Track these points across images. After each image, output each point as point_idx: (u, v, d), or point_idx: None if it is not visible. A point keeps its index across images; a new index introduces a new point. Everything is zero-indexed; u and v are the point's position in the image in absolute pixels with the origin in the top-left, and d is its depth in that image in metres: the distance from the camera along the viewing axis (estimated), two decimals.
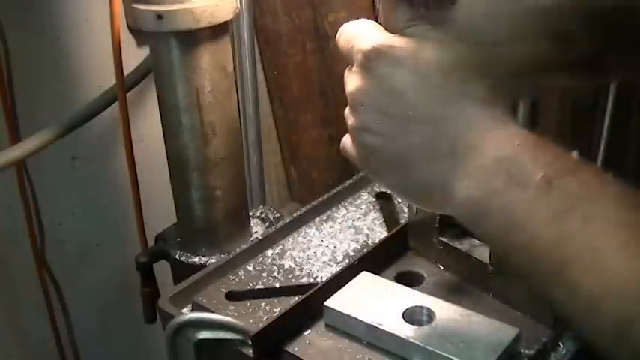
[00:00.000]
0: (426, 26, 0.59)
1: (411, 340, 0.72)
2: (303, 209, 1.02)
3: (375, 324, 0.74)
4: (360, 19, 0.64)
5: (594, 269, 0.44)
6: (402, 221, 0.97)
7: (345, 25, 0.64)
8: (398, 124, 0.57)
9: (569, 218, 0.45)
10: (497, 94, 0.57)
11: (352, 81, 0.61)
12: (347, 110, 0.63)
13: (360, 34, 0.61)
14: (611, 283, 0.43)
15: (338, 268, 0.88)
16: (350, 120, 0.62)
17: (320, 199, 1.04)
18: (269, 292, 0.86)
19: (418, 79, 0.56)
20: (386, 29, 0.61)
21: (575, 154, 0.50)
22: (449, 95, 0.55)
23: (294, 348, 0.75)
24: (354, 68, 0.61)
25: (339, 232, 0.99)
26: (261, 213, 1.21)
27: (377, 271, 0.85)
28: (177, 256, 1.10)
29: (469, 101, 0.55)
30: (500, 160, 0.50)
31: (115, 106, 1.20)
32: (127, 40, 1.24)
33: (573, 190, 0.47)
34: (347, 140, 0.64)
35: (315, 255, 0.93)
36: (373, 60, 0.58)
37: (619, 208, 0.45)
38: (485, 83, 0.57)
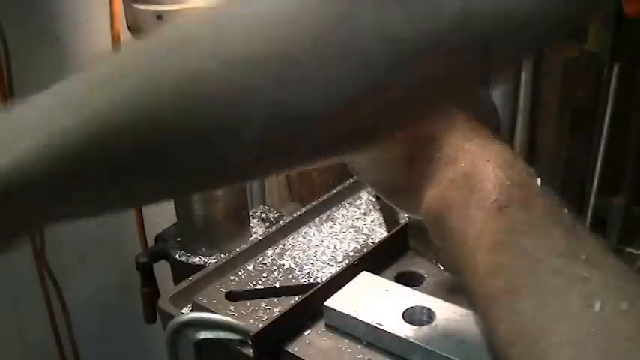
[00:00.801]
0: None
1: (411, 340, 0.72)
2: (303, 209, 1.02)
3: (375, 324, 0.74)
4: None
5: (510, 312, 0.42)
6: (402, 221, 0.97)
7: None
8: None
9: (503, 251, 0.43)
10: (475, 105, 0.55)
11: None
12: None
13: None
14: (519, 331, 0.41)
15: (338, 268, 0.88)
16: None
17: (320, 199, 1.04)
18: (269, 292, 0.86)
19: None
20: None
21: (538, 180, 0.49)
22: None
23: (294, 348, 0.75)
24: None
25: (339, 232, 0.99)
26: (261, 213, 1.21)
27: (377, 271, 0.85)
28: (177, 256, 1.11)
29: (454, 109, 0.54)
30: (467, 176, 0.48)
31: None
32: (127, 40, 1.24)
33: (518, 222, 0.44)
34: None
35: (315, 255, 0.93)
36: None
37: (553, 251, 0.42)
38: (466, 92, 0.56)
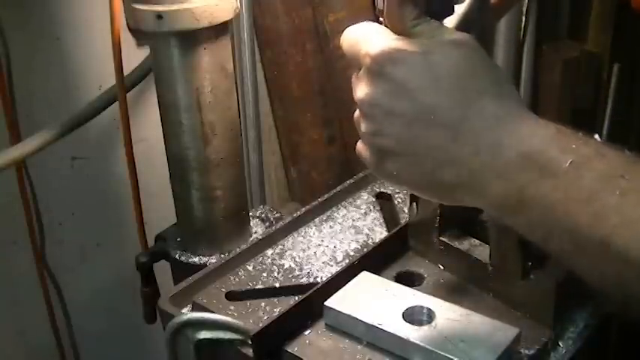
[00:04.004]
0: (433, 24, 0.59)
1: (411, 340, 0.72)
2: (303, 209, 1.02)
3: (375, 324, 0.74)
4: (362, 22, 0.63)
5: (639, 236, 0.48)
6: (402, 221, 0.97)
7: (348, 28, 0.63)
8: (415, 125, 0.57)
9: (604, 196, 0.49)
10: (509, 88, 0.57)
11: (361, 87, 0.60)
12: (356, 115, 0.62)
13: (365, 38, 0.60)
14: None
15: (338, 268, 0.88)
16: (362, 126, 0.61)
17: (320, 199, 1.04)
18: (269, 292, 0.86)
19: (432, 80, 0.56)
20: (391, 30, 0.61)
21: (597, 137, 0.54)
22: (465, 95, 0.55)
23: (294, 348, 0.75)
24: (362, 73, 0.60)
25: (339, 232, 0.99)
26: (261, 213, 1.21)
27: (377, 271, 0.85)
28: (177, 256, 1.10)
29: (485, 100, 0.55)
30: (526, 155, 0.52)
31: (115, 106, 1.20)
32: (127, 40, 1.24)
33: (604, 171, 0.50)
34: (361, 146, 0.63)
35: (315, 255, 0.93)
36: (383, 64, 0.58)
37: None
38: (497, 79, 0.57)
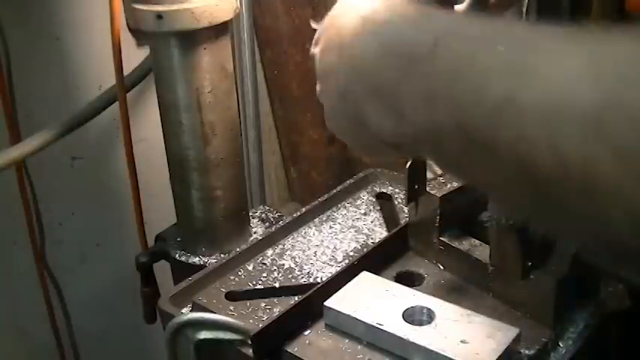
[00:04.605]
0: None
1: (411, 340, 0.72)
2: (303, 209, 1.02)
3: (375, 324, 0.74)
4: None
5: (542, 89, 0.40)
6: (402, 221, 0.97)
7: None
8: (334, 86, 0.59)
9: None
10: None
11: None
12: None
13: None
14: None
15: (338, 268, 0.88)
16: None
17: (320, 199, 1.04)
18: (269, 292, 0.86)
19: (327, 44, 0.59)
20: None
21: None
22: (338, 34, 0.57)
23: (294, 348, 0.75)
24: None
25: (339, 232, 0.99)
26: (261, 213, 1.21)
27: (377, 271, 0.85)
28: (177, 256, 1.10)
29: (355, 26, 0.55)
30: (390, 48, 0.50)
31: (115, 106, 1.20)
32: (127, 40, 1.24)
33: (467, 48, 0.45)
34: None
35: (315, 255, 0.93)
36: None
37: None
38: None
